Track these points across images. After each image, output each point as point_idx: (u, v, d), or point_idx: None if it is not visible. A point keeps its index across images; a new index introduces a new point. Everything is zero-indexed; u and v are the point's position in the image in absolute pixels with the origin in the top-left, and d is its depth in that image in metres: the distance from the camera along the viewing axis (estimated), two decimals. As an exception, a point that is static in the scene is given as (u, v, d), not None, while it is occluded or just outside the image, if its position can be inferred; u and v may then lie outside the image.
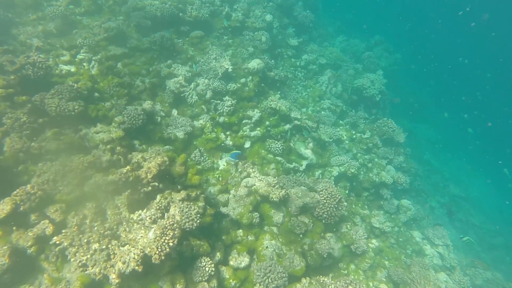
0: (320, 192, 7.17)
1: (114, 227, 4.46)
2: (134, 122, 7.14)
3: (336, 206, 7.06)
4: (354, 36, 18.53)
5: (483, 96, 23.65)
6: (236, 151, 7.71)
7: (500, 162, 19.13)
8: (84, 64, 7.97)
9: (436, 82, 22.79)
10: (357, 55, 16.60)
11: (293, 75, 12.63)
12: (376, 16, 23.92)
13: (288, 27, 13.91)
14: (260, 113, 8.99)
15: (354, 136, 11.18)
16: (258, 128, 8.98)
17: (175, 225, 4.51)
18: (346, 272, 7.32)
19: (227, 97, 9.03)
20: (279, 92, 11.15)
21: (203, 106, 8.86)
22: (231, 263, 5.90)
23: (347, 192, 9.20)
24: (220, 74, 9.47)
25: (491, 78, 25.85)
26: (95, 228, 4.27)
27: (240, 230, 6.61)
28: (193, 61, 9.86)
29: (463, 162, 21.74)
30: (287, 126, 9.42)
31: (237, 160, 7.65)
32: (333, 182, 8.93)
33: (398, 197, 10.89)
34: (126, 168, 4.95)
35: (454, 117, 21.99)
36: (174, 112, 8.59)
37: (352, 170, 9.30)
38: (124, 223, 4.54)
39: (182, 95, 8.88)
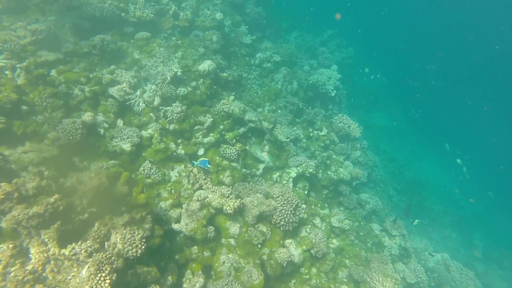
0: (277, 199, 6.99)
1: (39, 268, 3.90)
2: (71, 137, 6.48)
3: (293, 211, 6.92)
4: (308, 30, 18.58)
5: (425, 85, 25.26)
6: (205, 159, 7.25)
7: (446, 144, 20.49)
8: (6, 72, 7.06)
9: (386, 75, 23.70)
10: (311, 51, 16.66)
11: (247, 74, 12.33)
12: (328, 10, 24.20)
13: (240, 25, 13.54)
14: (213, 118, 8.60)
15: (311, 134, 11.16)
16: (212, 134, 8.60)
17: (113, 257, 4.05)
18: (307, 276, 7.24)
19: (176, 103, 8.53)
20: (233, 93, 10.82)
21: (151, 114, 8.30)
22: (185, 286, 5.54)
23: (306, 192, 9.13)
24: (169, 78, 8.92)
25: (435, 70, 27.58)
26: (12, 274, 3.70)
27: (195, 247, 6.25)
28: (138, 66, 9.21)
29: (414, 146, 22.92)
30: (242, 130, 9.13)
31: (207, 167, 7.22)
32: (291, 185, 8.82)
33: (357, 191, 11.10)
34: (53, 197, 4.36)
35: (403, 106, 23.15)
36: (120, 122, 7.94)
37: (310, 170, 9.24)
38: (51, 262, 4.00)
39: (127, 103, 8.24)
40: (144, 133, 7.96)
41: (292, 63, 14.12)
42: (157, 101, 8.43)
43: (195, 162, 7.42)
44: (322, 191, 9.96)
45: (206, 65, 9.63)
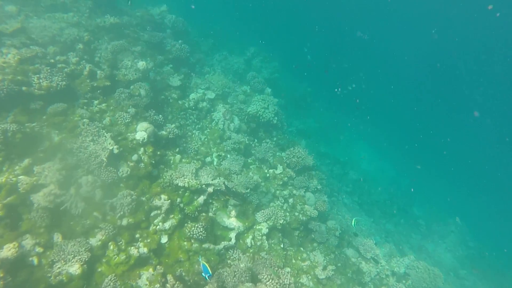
0: (267, 283, 6.49)
1: None
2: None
3: (287, 292, 6.53)
4: (230, 50, 18.07)
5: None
6: (206, 267, 6.05)
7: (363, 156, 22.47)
8: None
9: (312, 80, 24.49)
10: (239, 73, 16.27)
11: (185, 120, 11.33)
12: (246, 25, 23.99)
13: (164, 65, 12.35)
14: (170, 200, 7.62)
15: (268, 175, 10.83)
16: (172, 215, 7.63)
17: None
18: None
19: (123, 192, 7.27)
20: (177, 149, 9.82)
21: (95, 214, 6.93)
22: None
23: (282, 246, 8.79)
24: (105, 160, 7.57)
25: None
26: None
27: None
28: (63, 151, 7.58)
29: (345, 136, 24.42)
30: (202, 198, 8.32)
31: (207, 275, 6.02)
32: (266, 245, 8.39)
33: (324, 219, 11.11)
34: None
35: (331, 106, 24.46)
36: (57, 237, 6.43)
37: (281, 222, 8.91)
38: None
39: (62, 208, 6.72)
40: (93, 240, 6.62)
41: (226, 94, 13.51)
42: (98, 194, 7.08)
43: (200, 260, 6.65)
44: (293, 233, 9.76)
45: (142, 132, 8.51)
